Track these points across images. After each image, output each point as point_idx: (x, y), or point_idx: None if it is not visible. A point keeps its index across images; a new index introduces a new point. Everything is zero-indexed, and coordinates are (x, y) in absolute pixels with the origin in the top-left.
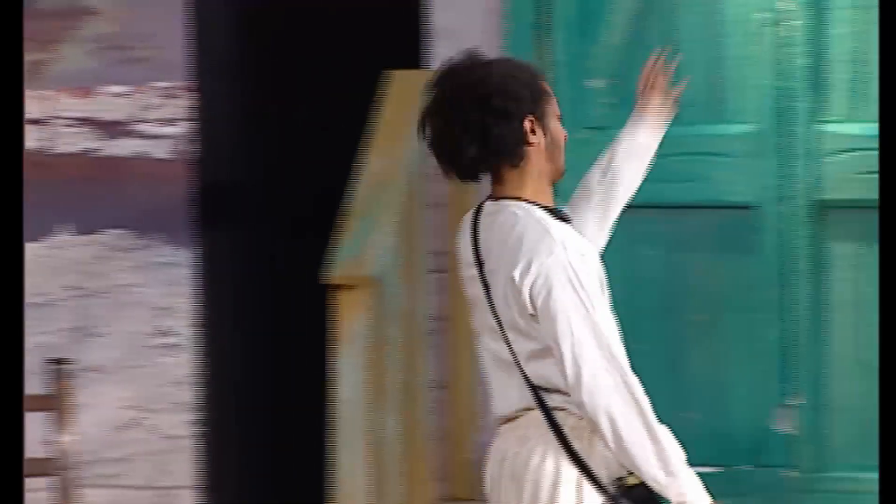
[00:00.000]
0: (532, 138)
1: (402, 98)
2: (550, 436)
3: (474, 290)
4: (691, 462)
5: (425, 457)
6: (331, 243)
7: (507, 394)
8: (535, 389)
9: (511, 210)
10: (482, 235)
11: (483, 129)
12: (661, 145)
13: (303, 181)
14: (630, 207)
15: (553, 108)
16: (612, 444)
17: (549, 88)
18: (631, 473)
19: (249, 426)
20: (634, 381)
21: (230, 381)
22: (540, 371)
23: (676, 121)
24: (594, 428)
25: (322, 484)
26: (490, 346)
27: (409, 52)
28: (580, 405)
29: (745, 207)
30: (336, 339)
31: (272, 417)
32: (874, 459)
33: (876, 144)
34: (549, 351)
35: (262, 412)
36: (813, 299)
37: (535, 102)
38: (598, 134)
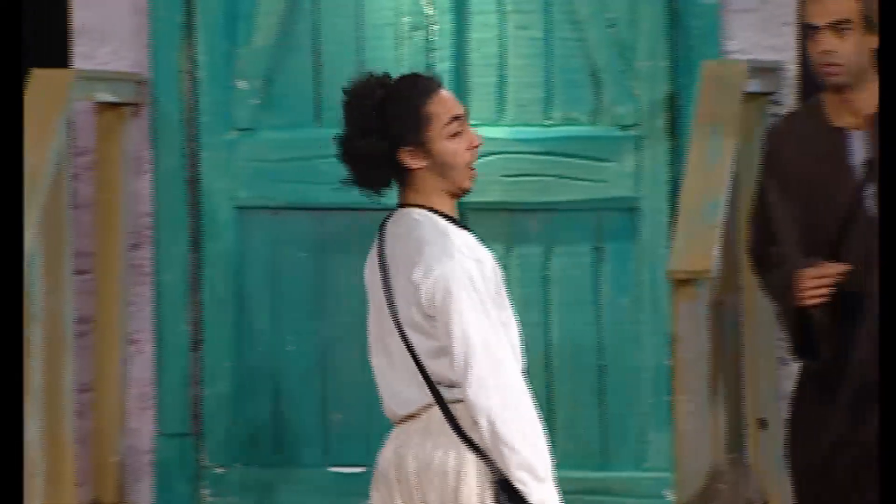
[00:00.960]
0: (413, 164)
1: (47, 97)
2: (450, 428)
3: (377, 293)
4: (336, 462)
5: (69, 460)
6: None
7: (405, 393)
8: (434, 385)
9: (413, 216)
10: (387, 241)
11: (357, 165)
12: (311, 147)
13: None
14: (279, 209)
15: (439, 132)
16: (488, 443)
17: (437, 110)
18: None
19: None
20: (519, 384)
21: None
22: (438, 368)
23: (325, 123)
24: (476, 424)
25: None
26: (389, 348)
27: (60, 50)
28: (466, 402)
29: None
30: None
31: None
32: None
33: (517, 148)
34: (446, 349)
35: None
36: None
37: (409, 134)
38: (246, 135)
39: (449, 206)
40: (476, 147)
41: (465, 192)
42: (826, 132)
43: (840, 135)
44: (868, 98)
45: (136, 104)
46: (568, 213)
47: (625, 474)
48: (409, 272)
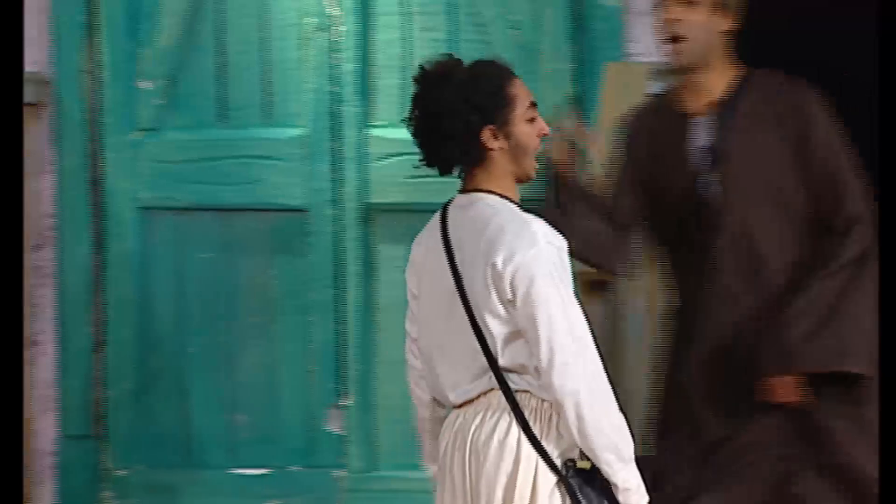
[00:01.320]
0: (493, 144)
1: None
2: (511, 415)
3: (437, 280)
4: (240, 464)
5: None
6: None
7: (463, 381)
8: (501, 372)
9: (484, 202)
10: (452, 225)
11: (433, 143)
12: (215, 148)
13: None
14: (183, 210)
15: (521, 113)
16: (573, 427)
17: (519, 93)
18: (582, 457)
19: None
20: (601, 370)
21: None
22: (513, 353)
23: (229, 124)
24: (559, 409)
25: None
26: (443, 336)
27: None
28: (549, 387)
29: (298, 210)
30: None
31: None
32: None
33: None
34: (521, 334)
35: None
36: (362, 301)
37: (496, 112)
38: (149, 135)
39: (515, 193)
40: (544, 135)
41: (529, 179)
42: (672, 118)
43: (684, 121)
44: (713, 83)
45: (37, 104)
46: None
47: None
48: (489, 258)
